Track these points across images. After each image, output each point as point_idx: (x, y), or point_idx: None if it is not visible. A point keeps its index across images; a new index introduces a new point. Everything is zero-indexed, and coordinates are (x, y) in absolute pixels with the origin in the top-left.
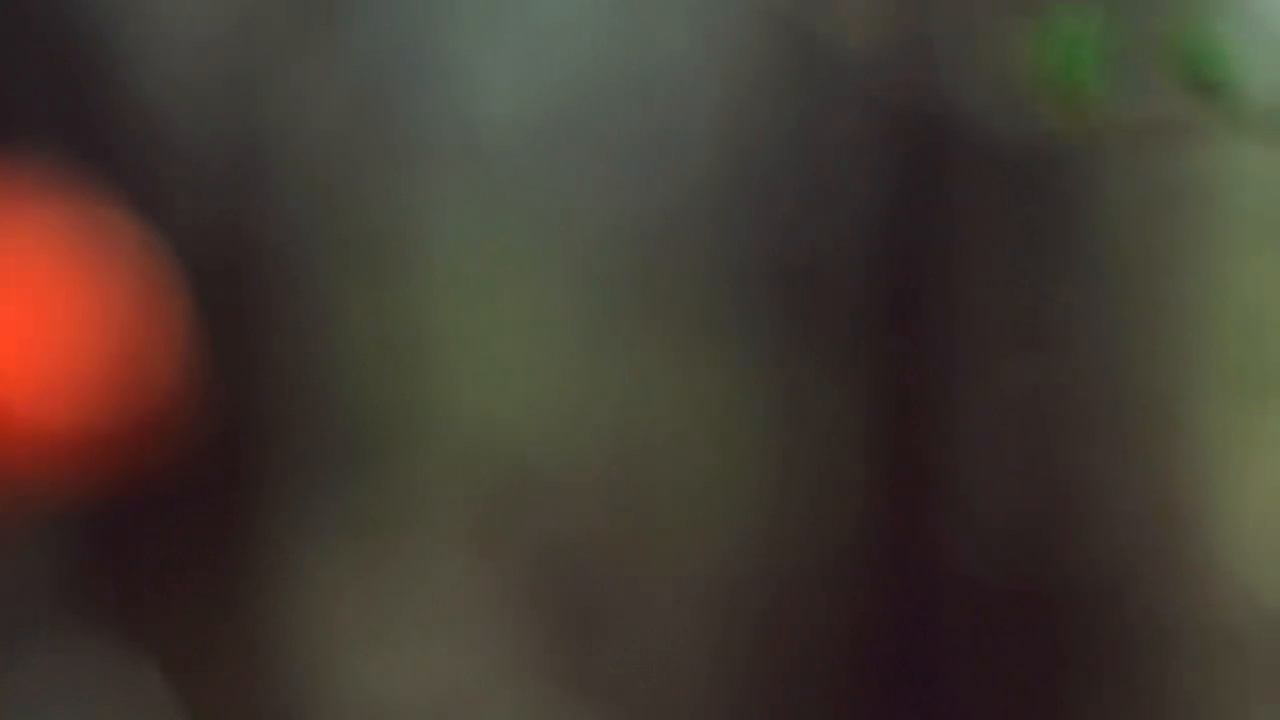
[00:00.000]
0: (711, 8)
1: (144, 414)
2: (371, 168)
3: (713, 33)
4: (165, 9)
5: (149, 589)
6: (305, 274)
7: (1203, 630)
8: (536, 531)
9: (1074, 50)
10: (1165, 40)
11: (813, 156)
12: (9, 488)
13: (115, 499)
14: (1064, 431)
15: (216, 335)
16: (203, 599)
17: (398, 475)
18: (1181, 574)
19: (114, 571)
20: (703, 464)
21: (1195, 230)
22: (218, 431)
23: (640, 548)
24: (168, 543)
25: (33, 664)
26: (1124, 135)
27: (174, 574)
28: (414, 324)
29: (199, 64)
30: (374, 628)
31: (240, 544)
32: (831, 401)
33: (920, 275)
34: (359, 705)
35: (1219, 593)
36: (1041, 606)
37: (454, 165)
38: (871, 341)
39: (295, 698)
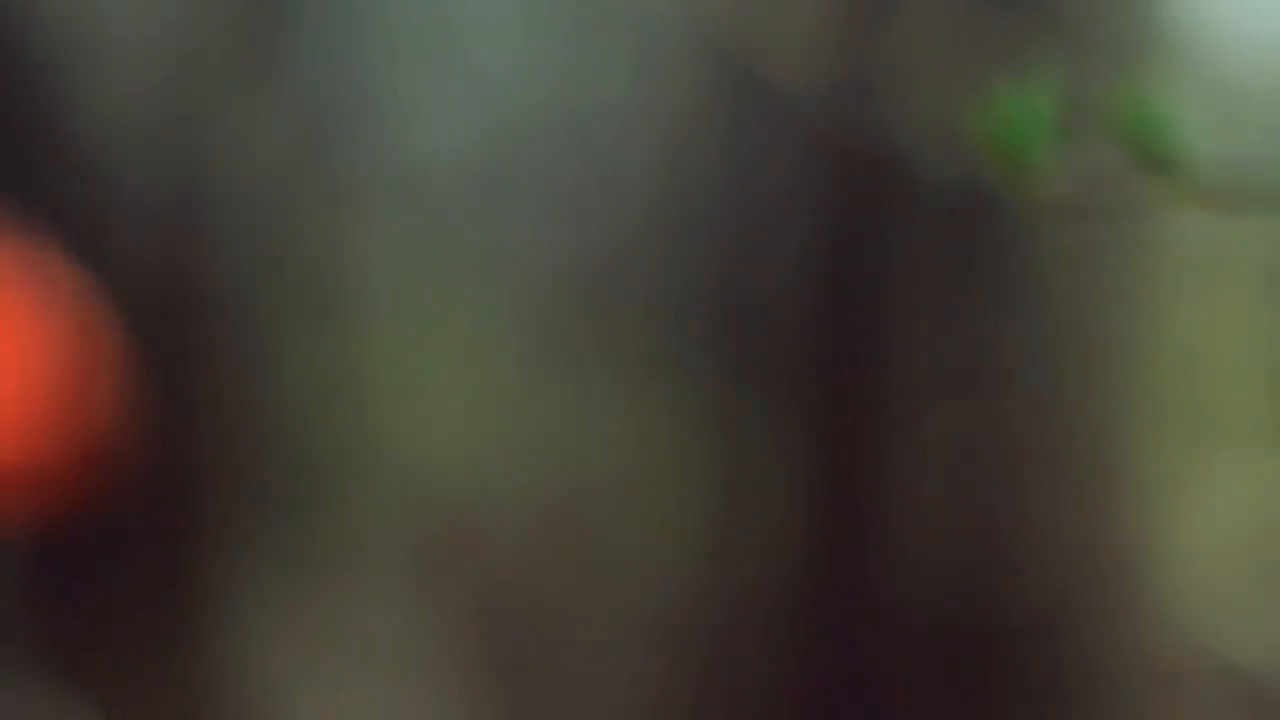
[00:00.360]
0: (652, 48)
1: (84, 453)
2: (313, 209)
3: (653, 73)
4: (108, 51)
5: (90, 626)
6: (247, 315)
7: (1139, 671)
8: (477, 571)
9: (1022, 124)
10: (1113, 116)
11: (753, 196)
12: None
13: (56, 537)
14: (1002, 472)
15: (158, 374)
16: (143, 637)
17: (339, 514)
18: (1118, 615)
19: (55, 608)
20: (643, 504)
21: (1131, 274)
22: (159, 471)
23: (580, 587)
24: (109, 580)
25: None
26: (1071, 206)
27: (115, 612)
28: (356, 365)
29: (141, 106)
30: (314, 666)
31: (182, 582)
32: (771, 441)
33: (860, 314)
34: None
35: (1156, 634)
36: (980, 646)
37: (395, 206)
38: (811, 380)
39: None
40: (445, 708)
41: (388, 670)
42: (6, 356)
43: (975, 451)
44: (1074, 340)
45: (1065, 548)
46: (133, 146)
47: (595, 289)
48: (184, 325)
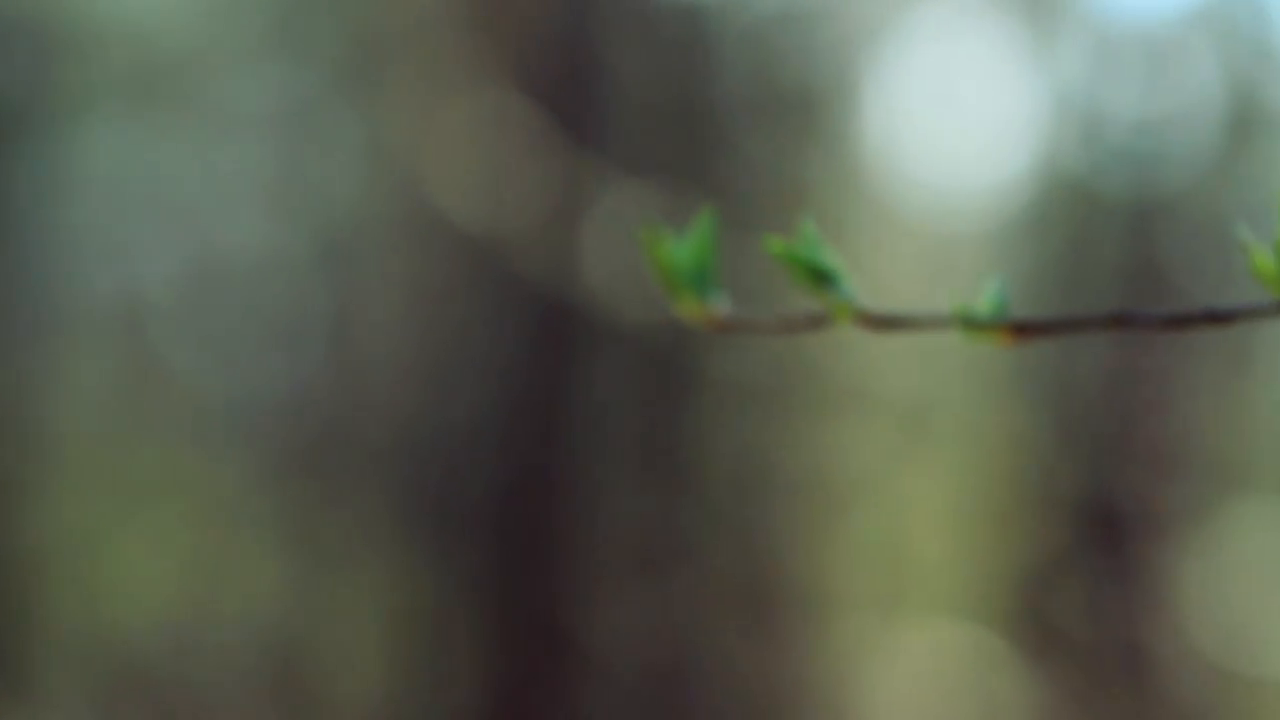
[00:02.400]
0: (347, 198)
1: None
2: (14, 351)
3: (354, 221)
4: None
5: None
6: None
7: None
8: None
9: (689, 261)
10: (780, 253)
11: (442, 342)
12: None
13: None
14: (697, 606)
15: None
16: None
17: (23, 673)
18: None
19: None
20: (329, 642)
21: (829, 426)
22: None
23: None
24: None
25: None
26: (746, 330)
27: None
28: (49, 515)
29: None
30: None
31: None
32: (463, 576)
33: (554, 450)
34: None
35: None
36: None
37: (96, 348)
38: (498, 524)
39: None
40: None
41: None
42: None
43: (673, 580)
44: (770, 490)
45: (754, 691)
46: None
47: (289, 429)
48: None
